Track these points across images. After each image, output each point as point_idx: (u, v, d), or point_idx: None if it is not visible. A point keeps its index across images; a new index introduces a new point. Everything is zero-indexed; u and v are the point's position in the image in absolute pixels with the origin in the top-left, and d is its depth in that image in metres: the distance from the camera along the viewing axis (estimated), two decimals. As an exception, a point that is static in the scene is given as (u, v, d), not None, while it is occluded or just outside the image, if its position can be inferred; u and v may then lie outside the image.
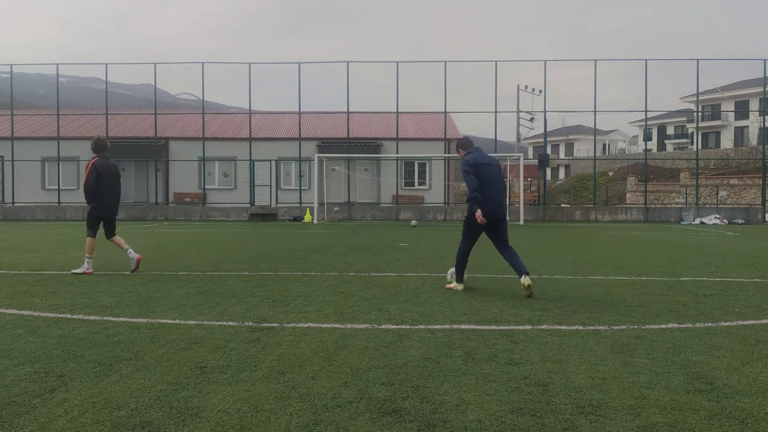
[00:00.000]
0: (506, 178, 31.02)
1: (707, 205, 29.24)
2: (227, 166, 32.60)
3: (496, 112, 28.13)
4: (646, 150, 39.86)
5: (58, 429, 2.95)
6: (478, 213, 6.80)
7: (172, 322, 5.34)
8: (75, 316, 5.57)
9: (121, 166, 34.01)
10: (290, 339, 4.72)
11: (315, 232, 18.44)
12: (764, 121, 28.75)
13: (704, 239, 15.70)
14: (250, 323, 5.28)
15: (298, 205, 28.32)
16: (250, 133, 29.77)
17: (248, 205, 28.30)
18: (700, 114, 42.07)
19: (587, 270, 8.97)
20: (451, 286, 7.15)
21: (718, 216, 25.66)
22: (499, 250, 7.06)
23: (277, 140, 32.17)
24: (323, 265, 9.44)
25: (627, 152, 70.09)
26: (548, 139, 37.51)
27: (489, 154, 7.34)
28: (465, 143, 7.31)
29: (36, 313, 5.72)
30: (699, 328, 5.13)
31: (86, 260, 8.53)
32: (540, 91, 30.80)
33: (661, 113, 53.05)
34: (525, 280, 6.58)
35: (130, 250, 8.68)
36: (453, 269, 7.23)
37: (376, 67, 30.29)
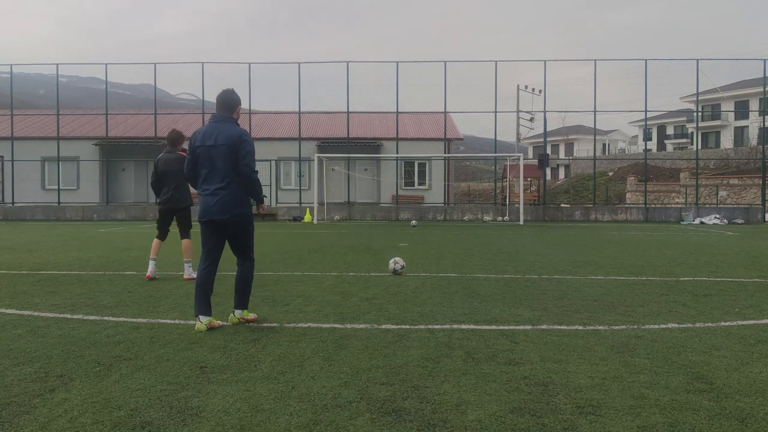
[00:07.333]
0: (506, 178, 31.02)
1: (707, 205, 29.25)
2: (227, 166, 32.53)
3: (495, 112, 28.14)
4: (646, 150, 39.88)
5: (58, 429, 2.95)
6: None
7: (172, 322, 5.34)
8: (75, 316, 5.56)
9: (121, 166, 34.12)
10: (290, 339, 4.71)
11: (315, 232, 18.43)
12: (764, 121, 28.75)
13: (704, 239, 15.69)
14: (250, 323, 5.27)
15: (298, 205, 28.31)
16: (249, 133, 29.75)
17: (248, 205, 28.29)
18: (700, 114, 42.05)
19: (587, 270, 8.97)
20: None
21: (718, 216, 25.67)
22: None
23: (277, 140, 32.16)
24: (323, 265, 9.44)
25: (627, 152, 70.09)
26: (548, 139, 37.52)
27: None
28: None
29: (36, 313, 5.71)
30: (699, 328, 5.12)
31: None
32: (540, 91, 30.78)
33: (660, 113, 53.01)
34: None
35: None
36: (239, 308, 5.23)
37: (376, 67, 30.28)
